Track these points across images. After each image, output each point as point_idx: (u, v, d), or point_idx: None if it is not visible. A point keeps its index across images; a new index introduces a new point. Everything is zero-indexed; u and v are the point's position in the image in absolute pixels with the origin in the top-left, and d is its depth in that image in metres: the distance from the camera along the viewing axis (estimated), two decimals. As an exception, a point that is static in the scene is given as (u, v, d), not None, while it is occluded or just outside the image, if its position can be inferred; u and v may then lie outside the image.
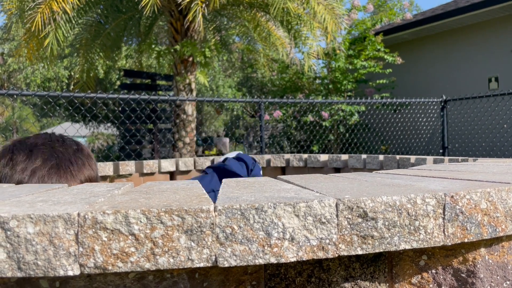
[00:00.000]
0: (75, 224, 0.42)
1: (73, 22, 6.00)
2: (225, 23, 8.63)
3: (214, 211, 0.44)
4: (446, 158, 1.60)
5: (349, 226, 0.46)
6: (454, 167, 0.82)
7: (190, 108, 7.11)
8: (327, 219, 0.45)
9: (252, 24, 7.68)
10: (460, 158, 1.50)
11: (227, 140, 17.16)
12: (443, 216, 0.49)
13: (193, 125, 7.20)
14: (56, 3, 5.09)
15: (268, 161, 2.49)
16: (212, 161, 2.49)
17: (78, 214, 0.42)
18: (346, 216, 0.46)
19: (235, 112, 16.36)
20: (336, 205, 0.46)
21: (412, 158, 1.80)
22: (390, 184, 0.58)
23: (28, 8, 5.33)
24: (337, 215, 0.46)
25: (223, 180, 0.67)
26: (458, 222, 0.50)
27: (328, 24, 6.35)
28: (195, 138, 7.40)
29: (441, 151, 5.71)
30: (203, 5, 5.26)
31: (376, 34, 9.45)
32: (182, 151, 7.02)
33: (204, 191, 0.55)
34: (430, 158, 1.68)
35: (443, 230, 0.49)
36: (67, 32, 5.85)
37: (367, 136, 7.66)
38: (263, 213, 0.44)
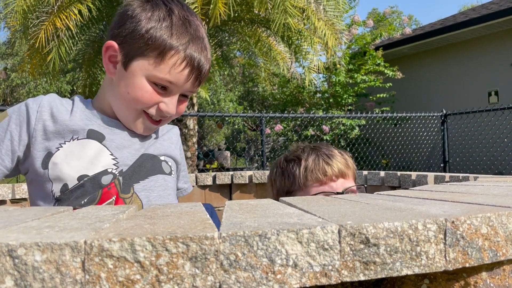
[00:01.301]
0: (82, 251, 0.43)
1: (76, 38, 6.07)
2: (226, 38, 8.71)
3: (218, 238, 0.44)
4: (447, 175, 1.60)
5: (351, 252, 0.47)
6: (455, 188, 0.83)
7: (191, 123, 7.14)
8: (330, 246, 0.46)
9: (253, 39, 7.75)
10: (461, 175, 1.50)
11: (228, 153, 17.18)
12: (444, 241, 0.49)
13: (194, 140, 7.22)
14: (59, 20, 5.17)
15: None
16: (214, 177, 2.49)
17: (85, 242, 0.43)
18: (349, 243, 0.47)
19: (236, 126, 16.41)
20: (339, 232, 0.46)
21: (413, 174, 1.80)
22: (392, 207, 0.59)
23: (32, 24, 5.40)
24: (339, 242, 0.46)
25: (227, 202, 0.68)
26: (459, 247, 0.50)
27: (328, 39, 6.41)
28: (196, 152, 7.42)
29: (442, 165, 5.71)
30: (204, 23, 5.32)
31: (376, 48, 9.53)
32: (183, 166, 7.02)
33: (208, 216, 0.56)
34: (431, 175, 1.69)
35: (445, 255, 0.49)
36: (70, 48, 5.92)
37: (368, 150, 7.68)
38: (267, 239, 0.45)
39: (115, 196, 1.00)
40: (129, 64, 1.02)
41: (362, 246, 0.47)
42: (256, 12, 6.48)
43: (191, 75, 1.01)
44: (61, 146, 1.00)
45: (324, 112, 9.21)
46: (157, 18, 1.01)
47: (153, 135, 1.16)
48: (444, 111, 5.62)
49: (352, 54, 9.65)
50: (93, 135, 1.03)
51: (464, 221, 0.51)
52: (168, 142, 1.18)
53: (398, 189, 1.96)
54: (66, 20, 5.28)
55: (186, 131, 7.09)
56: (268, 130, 9.08)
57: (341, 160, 1.33)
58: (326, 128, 8.65)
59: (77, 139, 1.01)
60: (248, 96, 16.62)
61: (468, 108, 6.13)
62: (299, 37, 7.44)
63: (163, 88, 1.01)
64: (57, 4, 5.31)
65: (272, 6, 5.77)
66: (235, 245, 0.44)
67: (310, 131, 8.60)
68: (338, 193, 1.30)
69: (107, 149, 1.03)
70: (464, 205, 0.60)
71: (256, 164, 15.67)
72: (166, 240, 0.44)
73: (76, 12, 5.46)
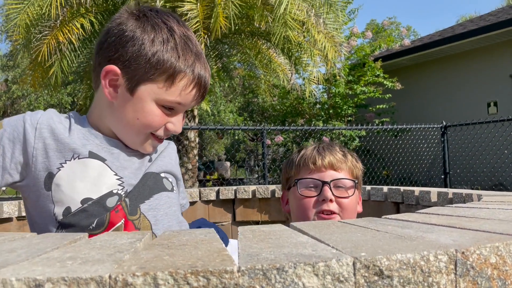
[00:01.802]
0: (107, 286, 0.44)
1: (78, 52, 6.12)
2: (226, 50, 8.77)
3: (237, 272, 0.46)
4: (450, 191, 1.62)
5: (366, 284, 0.48)
6: (461, 211, 0.84)
7: (192, 134, 7.17)
8: (345, 278, 0.48)
9: (253, 51, 7.81)
10: (464, 192, 1.52)
11: (228, 164, 17.18)
12: (455, 271, 0.51)
13: (195, 151, 7.24)
14: (62, 34, 5.22)
15: (273, 192, 2.51)
16: (217, 192, 2.50)
17: (110, 277, 0.44)
18: (363, 275, 0.48)
19: (236, 137, 16.44)
20: (353, 264, 0.48)
21: (416, 190, 1.82)
22: (402, 235, 0.60)
23: (34, 38, 5.45)
24: (354, 274, 0.48)
25: (240, 229, 0.69)
26: (469, 277, 0.52)
27: (328, 51, 6.46)
28: (197, 164, 7.43)
29: (442, 176, 5.73)
30: (206, 36, 5.38)
31: (375, 60, 9.60)
32: (184, 177, 7.03)
33: (224, 246, 0.57)
34: (434, 191, 1.70)
35: (455, 285, 0.51)
36: (72, 62, 5.96)
37: (368, 161, 7.69)
38: (284, 273, 0.46)
39: (123, 219, 0.98)
40: (136, 89, 0.99)
41: (376, 278, 0.48)
42: (257, 25, 6.54)
43: (199, 94, 1.03)
44: (62, 166, 0.97)
45: (325, 124, 9.24)
46: (161, 40, 0.99)
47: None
48: (444, 123, 5.65)
49: (352, 66, 9.71)
50: (94, 154, 1.01)
51: (473, 251, 0.52)
52: (168, 158, 1.17)
53: (401, 204, 1.97)
54: (69, 34, 5.33)
55: (187, 143, 7.12)
56: (268, 141, 9.10)
57: (337, 155, 1.38)
58: (326, 139, 8.68)
59: (78, 158, 0.98)
60: (248, 107, 16.68)
61: (468, 118, 6.17)
62: (299, 49, 7.51)
63: (170, 109, 1.02)
64: (60, 18, 5.36)
65: (273, 20, 5.83)
66: (254, 278, 0.46)
67: (311, 142, 8.62)
68: (324, 183, 1.34)
69: (110, 168, 1.01)
70: (472, 232, 0.62)
71: (256, 175, 15.66)
72: (187, 274, 0.45)
73: (79, 26, 5.51)
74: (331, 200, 1.31)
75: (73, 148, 0.99)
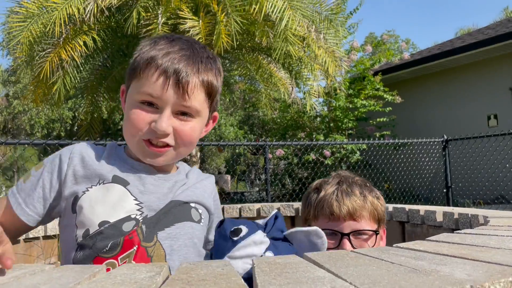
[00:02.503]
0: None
1: (81, 68, 6.17)
2: (227, 65, 8.85)
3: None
4: (456, 212, 1.63)
5: (385, 323, 0.49)
6: (471, 240, 0.85)
7: (194, 150, 7.19)
8: (365, 316, 0.49)
9: (254, 66, 7.88)
10: (470, 213, 1.53)
11: (228, 177, 17.16)
12: (471, 308, 0.52)
13: (197, 166, 7.25)
14: (64, 51, 5.27)
15: (278, 210, 2.52)
16: (222, 210, 2.50)
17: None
18: (383, 313, 0.49)
19: (237, 150, 16.46)
20: (373, 302, 0.49)
21: (421, 210, 1.82)
22: (417, 268, 0.62)
23: (37, 56, 5.50)
24: (374, 312, 0.49)
25: (255, 261, 0.70)
26: (485, 312, 0.53)
27: (329, 66, 6.52)
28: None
29: (444, 190, 5.73)
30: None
31: (375, 73, 9.66)
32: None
33: (242, 281, 0.59)
34: (439, 211, 1.71)
35: (472, 321, 0.52)
36: (75, 78, 6.01)
37: (369, 174, 7.70)
38: (306, 312, 0.48)
39: (136, 246, 0.98)
40: (127, 97, 1.06)
41: (395, 316, 0.50)
42: (258, 41, 6.60)
43: (167, 83, 0.98)
44: (88, 190, 1.01)
45: (326, 139, 9.25)
46: (147, 44, 1.05)
47: (184, 180, 1.14)
48: (445, 137, 5.68)
49: (352, 79, 9.77)
50: (117, 180, 1.03)
51: (488, 287, 0.54)
52: (201, 190, 1.15)
53: (407, 224, 1.98)
54: (71, 52, 5.39)
55: (189, 157, 7.13)
56: (269, 155, 9.11)
57: (356, 201, 1.32)
58: (327, 152, 8.69)
59: (103, 183, 1.02)
60: (248, 120, 16.73)
61: (468, 131, 6.19)
62: (300, 64, 7.57)
63: (150, 105, 1.00)
64: (63, 36, 5.42)
65: (274, 35, 5.89)
66: (277, 318, 0.47)
67: (312, 156, 8.64)
68: (343, 235, 1.30)
69: (131, 193, 1.02)
70: (485, 265, 0.63)
71: (257, 188, 15.64)
72: (212, 315, 0.46)
73: (81, 43, 5.57)
74: None
75: (100, 173, 1.03)
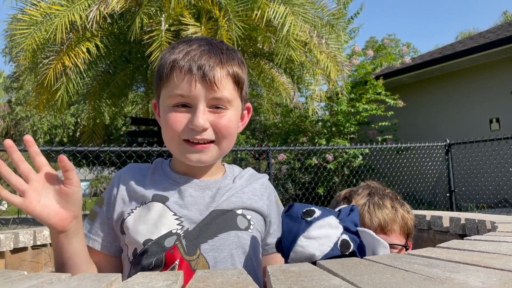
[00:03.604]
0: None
1: (84, 75, 6.20)
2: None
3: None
4: (462, 217, 1.63)
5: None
6: (482, 247, 0.86)
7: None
8: (384, 325, 0.49)
9: (256, 71, 7.91)
10: (476, 218, 1.53)
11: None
12: (487, 315, 0.53)
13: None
14: (68, 58, 5.29)
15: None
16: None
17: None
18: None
19: (239, 155, 16.46)
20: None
21: (428, 215, 1.83)
22: (431, 276, 0.62)
23: (41, 63, 5.52)
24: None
25: (269, 269, 0.71)
26: (501, 320, 0.54)
27: (330, 71, 6.54)
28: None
29: (448, 194, 5.73)
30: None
31: (377, 78, 9.68)
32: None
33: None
34: (446, 216, 1.72)
35: (488, 329, 0.53)
36: (78, 84, 6.04)
37: (372, 179, 7.70)
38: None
39: (178, 260, 0.98)
40: (159, 104, 1.08)
41: (413, 324, 0.50)
42: (260, 46, 6.63)
43: (194, 80, 0.99)
44: (132, 212, 1.05)
45: (329, 143, 9.26)
46: (166, 52, 1.08)
47: (230, 186, 1.11)
48: (448, 141, 5.68)
49: (353, 83, 9.79)
50: (157, 198, 1.06)
51: (504, 295, 0.54)
52: (250, 194, 1.11)
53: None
54: (75, 58, 5.42)
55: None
56: (272, 160, 9.11)
57: (388, 214, 1.31)
58: (329, 157, 8.70)
59: (145, 203, 1.05)
60: (250, 125, 16.76)
61: (470, 135, 6.20)
62: (301, 69, 7.61)
63: (183, 107, 1.01)
64: (66, 43, 5.45)
65: (276, 41, 5.92)
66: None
67: (314, 160, 8.64)
68: None
69: (170, 209, 1.03)
70: (498, 272, 0.63)
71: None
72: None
73: (84, 50, 5.60)
74: None
75: (141, 195, 1.06)
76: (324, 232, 0.80)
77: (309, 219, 0.82)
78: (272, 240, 1.13)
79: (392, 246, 1.30)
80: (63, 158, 0.88)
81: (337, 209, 0.94)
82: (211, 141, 1.03)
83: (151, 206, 1.04)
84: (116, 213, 1.07)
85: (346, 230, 0.87)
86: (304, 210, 0.84)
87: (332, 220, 0.84)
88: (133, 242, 1.02)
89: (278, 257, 1.11)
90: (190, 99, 1.00)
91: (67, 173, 0.92)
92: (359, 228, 0.89)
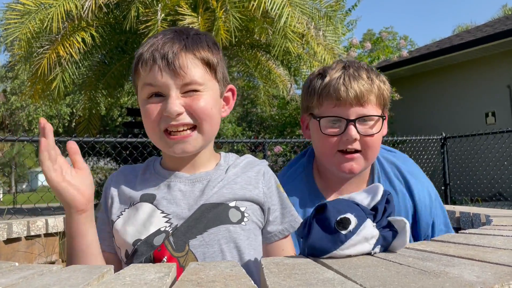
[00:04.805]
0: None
1: (80, 64, 6.15)
2: (226, 61, 8.85)
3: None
4: (457, 210, 1.63)
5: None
6: (476, 240, 0.86)
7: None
8: (377, 319, 0.49)
9: (253, 62, 7.87)
10: (471, 211, 1.54)
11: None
12: (481, 310, 0.52)
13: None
14: (63, 48, 5.24)
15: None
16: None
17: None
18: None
19: (235, 147, 16.45)
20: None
21: (423, 208, 1.83)
22: (425, 270, 0.62)
23: (35, 52, 5.47)
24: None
25: (263, 262, 0.70)
26: (495, 314, 0.53)
27: (327, 63, 6.50)
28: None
29: (442, 188, 5.75)
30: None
31: (374, 70, 9.65)
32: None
33: (252, 282, 0.59)
34: (441, 210, 1.72)
35: (482, 323, 0.52)
36: (74, 74, 5.98)
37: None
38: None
39: (166, 257, 0.98)
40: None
41: (406, 318, 0.50)
42: (257, 37, 6.59)
43: (160, 68, 0.98)
44: (122, 214, 1.05)
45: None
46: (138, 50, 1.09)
47: (221, 177, 1.06)
48: (444, 134, 5.69)
49: (350, 76, 9.77)
50: (145, 197, 1.05)
51: (498, 289, 0.54)
52: (243, 183, 1.06)
53: (408, 222, 1.98)
54: (70, 48, 5.36)
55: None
56: (268, 152, 9.11)
57: (364, 85, 1.27)
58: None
59: (133, 204, 1.05)
60: (246, 117, 16.73)
61: (466, 128, 6.21)
62: (298, 61, 7.57)
63: (157, 96, 1.01)
64: (61, 32, 5.40)
65: (273, 32, 5.88)
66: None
67: (310, 153, 8.64)
68: (349, 121, 1.26)
69: (158, 208, 1.03)
70: (493, 266, 0.63)
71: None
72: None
73: (80, 40, 5.55)
74: (355, 139, 1.26)
75: (130, 196, 1.07)
76: (358, 249, 0.76)
77: (344, 232, 0.76)
78: (274, 227, 1.08)
79: (369, 117, 1.28)
80: (73, 143, 0.95)
81: (368, 201, 0.84)
82: (193, 128, 1.02)
83: (139, 207, 1.04)
84: (109, 216, 1.08)
85: (382, 227, 0.82)
86: (339, 219, 0.77)
87: (368, 231, 0.78)
88: (123, 244, 1.02)
89: (283, 244, 1.10)
90: (161, 88, 1.00)
91: (75, 155, 0.96)
92: (390, 218, 0.83)
